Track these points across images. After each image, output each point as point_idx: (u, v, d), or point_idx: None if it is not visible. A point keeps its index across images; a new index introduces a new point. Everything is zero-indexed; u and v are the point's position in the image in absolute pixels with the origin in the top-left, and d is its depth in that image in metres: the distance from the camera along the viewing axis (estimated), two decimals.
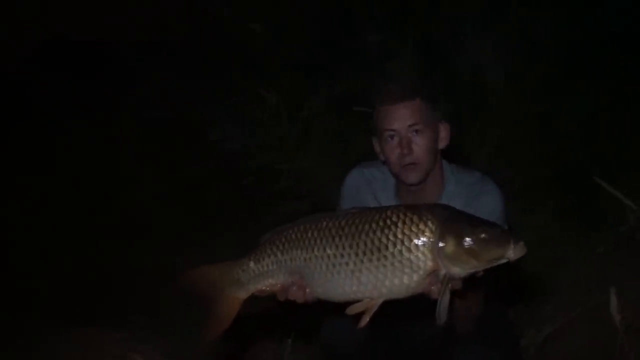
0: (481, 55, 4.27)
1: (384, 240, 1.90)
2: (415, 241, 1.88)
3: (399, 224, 1.91)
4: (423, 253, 1.88)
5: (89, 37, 7.97)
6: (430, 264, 1.87)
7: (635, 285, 3.14)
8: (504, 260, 1.86)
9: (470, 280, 1.96)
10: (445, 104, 2.43)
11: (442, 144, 2.42)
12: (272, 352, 3.48)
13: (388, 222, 1.92)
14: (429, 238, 1.88)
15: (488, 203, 2.36)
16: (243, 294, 2.10)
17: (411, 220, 1.90)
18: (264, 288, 2.08)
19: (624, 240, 3.39)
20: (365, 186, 2.55)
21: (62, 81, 7.23)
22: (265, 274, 2.06)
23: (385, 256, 1.89)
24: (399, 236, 1.90)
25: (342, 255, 1.93)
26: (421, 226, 1.89)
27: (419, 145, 2.33)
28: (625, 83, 4.41)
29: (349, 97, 4.46)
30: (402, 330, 2.49)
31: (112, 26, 7.79)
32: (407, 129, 2.32)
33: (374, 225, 1.93)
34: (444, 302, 1.87)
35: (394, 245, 1.89)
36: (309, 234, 1.99)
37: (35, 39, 8.29)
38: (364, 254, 1.91)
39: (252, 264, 2.08)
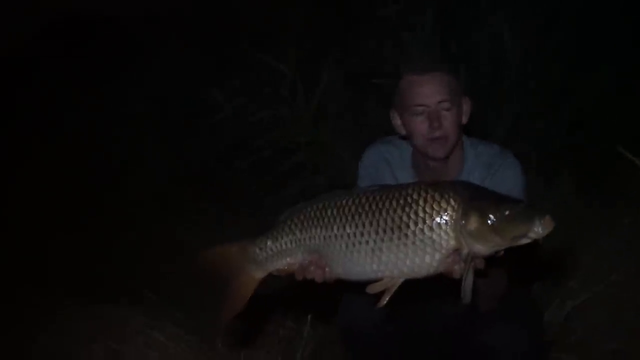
0: (499, 27, 4.18)
1: (404, 218, 1.86)
2: (437, 219, 1.84)
3: (420, 202, 1.86)
4: (445, 231, 1.83)
5: (97, 13, 7.91)
6: (452, 242, 1.83)
7: None
8: (529, 239, 1.81)
9: (493, 259, 1.91)
10: (465, 77, 2.35)
11: (465, 118, 2.37)
12: (291, 328, 3.46)
13: (409, 199, 1.87)
14: (451, 216, 1.83)
15: (509, 176, 2.32)
16: (260, 273, 2.08)
17: (432, 197, 1.86)
18: (282, 267, 2.05)
19: None
20: (383, 163, 2.50)
21: (71, 58, 7.19)
22: (284, 253, 2.03)
23: (406, 235, 1.85)
24: (420, 214, 1.85)
25: (362, 234, 1.89)
26: (443, 204, 1.85)
27: (448, 120, 2.27)
28: None
29: (366, 69, 4.39)
30: (422, 310, 2.45)
31: (120, 1, 7.72)
32: (437, 104, 2.26)
33: (394, 203, 1.88)
34: (468, 281, 1.83)
35: (415, 223, 1.84)
36: (328, 212, 1.95)
37: (42, 15, 8.24)
38: (384, 232, 1.87)
39: (269, 243, 2.04)
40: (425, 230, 1.84)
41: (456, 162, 2.39)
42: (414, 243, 1.85)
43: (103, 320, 3.43)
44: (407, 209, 1.86)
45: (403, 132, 2.40)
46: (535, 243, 1.83)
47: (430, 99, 2.27)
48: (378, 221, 1.88)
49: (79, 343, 3.32)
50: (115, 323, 3.42)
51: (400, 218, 1.86)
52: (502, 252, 1.89)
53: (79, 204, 5.36)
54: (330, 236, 1.94)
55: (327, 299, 2.51)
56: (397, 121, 2.41)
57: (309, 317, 3.22)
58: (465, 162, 2.39)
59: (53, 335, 3.39)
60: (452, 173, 2.37)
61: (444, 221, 1.83)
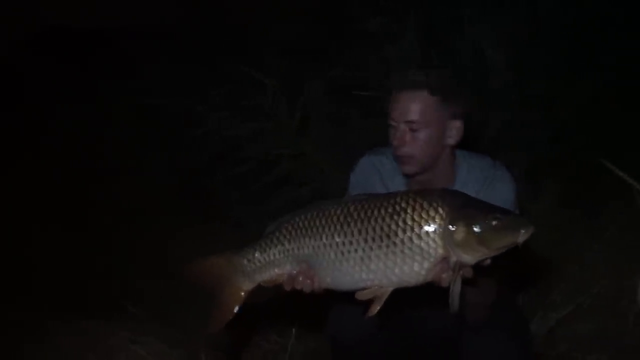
0: (482, 38, 4.21)
1: (393, 226, 1.86)
2: (425, 228, 1.84)
3: (409, 210, 1.86)
4: (433, 240, 1.83)
5: (86, 25, 7.95)
6: (440, 251, 1.83)
7: None
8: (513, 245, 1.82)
9: (481, 268, 1.91)
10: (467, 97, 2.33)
11: (452, 140, 2.32)
12: (276, 342, 3.44)
13: (397, 208, 1.87)
14: (439, 224, 1.84)
15: (501, 190, 2.31)
16: (249, 285, 2.05)
17: (421, 206, 1.86)
18: (270, 278, 2.03)
19: (630, 223, 3.34)
20: (375, 174, 2.48)
21: (58, 68, 7.19)
22: (272, 264, 2.01)
23: (394, 243, 1.85)
24: (409, 222, 1.85)
25: (350, 243, 1.89)
26: (431, 212, 1.85)
27: (415, 141, 2.26)
28: (629, 64, 4.34)
29: (349, 81, 4.40)
30: (411, 320, 2.44)
31: (108, 13, 7.76)
32: (405, 123, 2.25)
33: (382, 212, 1.88)
34: (456, 289, 1.83)
35: (404, 231, 1.85)
36: (317, 222, 1.94)
37: (32, 26, 8.28)
38: (373, 240, 1.87)
39: (257, 254, 2.02)
40: (414, 238, 1.84)
41: (444, 177, 2.36)
42: (402, 251, 1.84)
43: (87, 336, 3.38)
44: (395, 217, 1.86)
45: None
46: (515, 248, 1.84)
47: (399, 117, 2.26)
48: (367, 230, 1.88)
49: (63, 359, 3.27)
50: (99, 339, 3.38)
51: (389, 226, 1.86)
52: (489, 261, 1.89)
53: (62, 216, 5.30)
54: (319, 245, 1.93)
55: (312, 312, 2.49)
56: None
57: (294, 330, 3.20)
58: (458, 176, 2.37)
59: (37, 352, 3.33)
60: (442, 185, 2.35)
61: (432, 229, 1.84)
